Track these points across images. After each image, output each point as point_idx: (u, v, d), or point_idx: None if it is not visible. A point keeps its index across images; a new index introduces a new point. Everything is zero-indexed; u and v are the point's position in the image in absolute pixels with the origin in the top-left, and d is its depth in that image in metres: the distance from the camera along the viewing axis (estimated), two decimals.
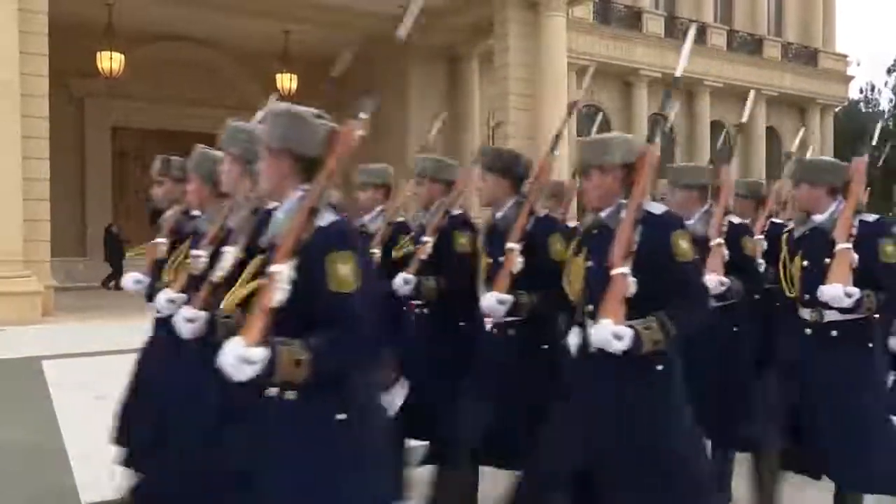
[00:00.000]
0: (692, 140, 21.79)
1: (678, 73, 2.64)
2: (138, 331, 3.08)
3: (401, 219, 3.56)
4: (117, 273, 12.93)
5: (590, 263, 2.26)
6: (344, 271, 1.66)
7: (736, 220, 3.30)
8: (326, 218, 1.73)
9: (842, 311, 2.62)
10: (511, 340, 2.75)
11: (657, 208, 2.23)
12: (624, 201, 2.22)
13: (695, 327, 2.22)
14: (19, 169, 9.85)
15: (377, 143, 17.55)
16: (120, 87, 14.73)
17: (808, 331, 2.76)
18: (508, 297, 2.61)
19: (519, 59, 13.96)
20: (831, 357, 2.70)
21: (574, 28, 16.85)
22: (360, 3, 14.18)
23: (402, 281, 3.05)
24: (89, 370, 6.16)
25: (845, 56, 25.73)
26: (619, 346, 2.01)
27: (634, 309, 2.07)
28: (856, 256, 2.62)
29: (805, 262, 2.77)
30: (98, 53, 14.04)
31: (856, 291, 2.56)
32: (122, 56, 14.23)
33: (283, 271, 1.64)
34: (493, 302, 2.61)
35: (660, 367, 2.16)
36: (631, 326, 2.04)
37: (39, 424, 4.69)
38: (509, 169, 2.82)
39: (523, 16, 13.99)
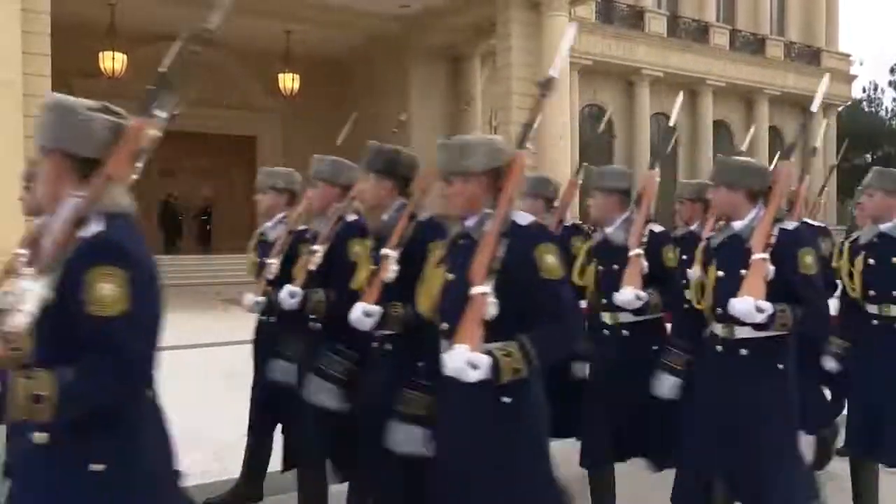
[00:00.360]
0: (694, 140, 21.76)
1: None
2: None
3: (303, 227, 3.23)
4: None
5: (451, 276, 2.05)
6: (105, 291, 1.42)
7: (657, 228, 3.12)
8: (92, 229, 1.47)
9: (755, 327, 2.35)
10: (386, 355, 2.49)
11: (524, 219, 2.02)
12: (490, 211, 1.99)
13: (562, 354, 2.04)
14: (21, 169, 9.86)
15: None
16: (122, 87, 14.75)
17: (719, 348, 2.50)
18: (375, 309, 2.38)
19: (521, 58, 13.96)
20: (739, 379, 2.44)
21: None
22: (361, 3, 14.19)
23: (288, 294, 2.84)
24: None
25: (848, 55, 25.71)
26: (473, 376, 1.79)
27: (496, 331, 1.86)
28: (771, 268, 2.38)
29: (720, 273, 2.53)
30: (100, 53, 14.07)
31: (768, 306, 2.30)
32: (125, 56, 14.27)
33: (34, 289, 1.40)
34: (358, 313, 2.38)
35: (507, 400, 1.91)
36: (489, 353, 1.82)
37: None
38: (391, 169, 2.58)
39: (525, 16, 13.99)
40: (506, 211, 1.96)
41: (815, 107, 2.97)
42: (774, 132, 23.82)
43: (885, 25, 67.79)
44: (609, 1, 20.02)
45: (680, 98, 4.01)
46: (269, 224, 3.38)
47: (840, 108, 26.09)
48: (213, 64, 16.74)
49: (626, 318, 3.04)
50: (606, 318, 3.10)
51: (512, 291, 1.89)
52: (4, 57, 9.62)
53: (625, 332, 3.06)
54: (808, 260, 2.42)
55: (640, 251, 2.98)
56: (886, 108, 33.62)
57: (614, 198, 3.13)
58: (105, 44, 14.01)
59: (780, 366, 2.45)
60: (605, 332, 3.11)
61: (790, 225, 2.50)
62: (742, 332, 2.42)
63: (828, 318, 2.55)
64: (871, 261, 3.13)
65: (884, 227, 3.13)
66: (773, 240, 2.41)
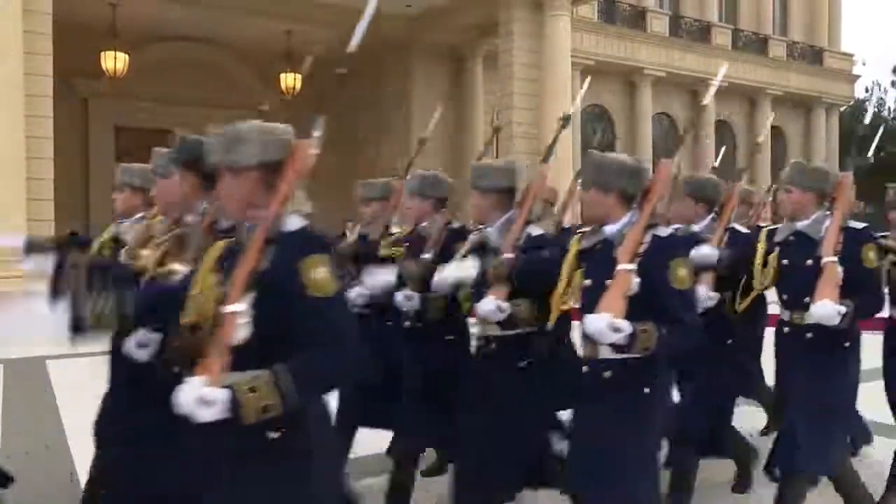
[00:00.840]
0: (698, 139, 21.71)
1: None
2: None
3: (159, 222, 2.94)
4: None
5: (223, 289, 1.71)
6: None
7: (536, 231, 2.78)
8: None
9: (614, 348, 2.09)
10: None
11: (295, 224, 1.69)
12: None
13: (331, 385, 1.72)
14: (23, 168, 9.88)
15: (379, 144, 17.62)
16: (124, 86, 14.76)
17: (585, 368, 2.27)
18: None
19: (523, 58, 13.95)
20: (603, 404, 2.20)
21: (578, 27, 16.82)
22: (363, 3, 14.19)
23: None
24: (95, 370, 6.15)
25: (851, 55, 25.64)
26: (207, 415, 1.49)
27: (249, 357, 1.56)
28: (637, 280, 2.12)
29: (587, 282, 2.30)
30: (102, 53, 14.08)
31: (625, 325, 2.04)
32: (126, 56, 14.27)
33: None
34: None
35: (274, 435, 1.61)
36: (229, 387, 1.51)
37: (44, 424, 4.69)
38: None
39: (528, 15, 13.98)
40: (275, 213, 1.65)
41: (707, 99, 2.93)
42: (777, 132, 23.77)
43: (888, 25, 67.70)
44: (611, 1, 20.00)
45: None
46: (126, 222, 3.14)
47: (843, 109, 26.03)
48: (214, 65, 16.77)
49: (493, 330, 2.73)
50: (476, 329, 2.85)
51: (272, 310, 1.59)
52: (6, 57, 9.63)
53: (493, 346, 2.76)
54: (681, 273, 2.16)
55: (511, 256, 2.65)
56: (889, 109, 33.55)
57: (492, 198, 2.81)
58: (107, 44, 14.03)
59: (647, 389, 2.19)
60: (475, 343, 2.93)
61: (663, 232, 2.25)
62: (604, 352, 2.16)
63: (697, 340, 2.23)
64: (785, 261, 2.92)
65: (800, 225, 2.88)
66: (643, 247, 2.17)
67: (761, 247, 3.05)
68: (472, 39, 16.00)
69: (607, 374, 2.21)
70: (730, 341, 3.21)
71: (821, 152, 24.04)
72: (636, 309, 2.10)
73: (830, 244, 2.73)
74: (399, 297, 3.06)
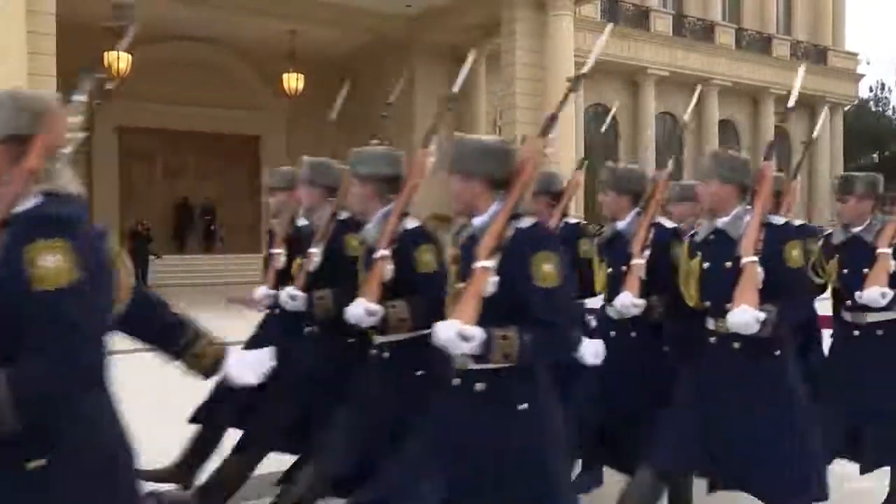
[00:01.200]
0: (701, 139, 21.69)
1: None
2: None
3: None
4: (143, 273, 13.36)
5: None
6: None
7: (412, 224, 2.49)
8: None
9: (475, 357, 1.86)
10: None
11: (29, 204, 1.39)
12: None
13: (32, 410, 1.31)
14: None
15: (380, 144, 17.64)
16: (127, 86, 14.79)
17: (456, 381, 1.99)
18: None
19: (526, 58, 13.95)
20: (476, 420, 1.94)
21: (581, 27, 16.80)
22: (365, 3, 14.19)
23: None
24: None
25: (855, 54, 25.58)
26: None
27: None
28: (493, 279, 1.87)
29: (460, 283, 2.01)
30: (106, 53, 14.11)
31: (476, 333, 1.79)
32: (130, 56, 14.30)
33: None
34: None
35: (35, 465, 1.35)
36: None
37: None
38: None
39: (530, 15, 13.98)
40: (15, 194, 1.39)
41: (584, 69, 2.44)
42: (780, 132, 23.72)
43: (892, 24, 67.53)
44: (614, 0, 19.99)
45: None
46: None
47: (846, 108, 25.98)
48: (217, 64, 16.80)
49: (378, 337, 2.48)
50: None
51: None
52: (10, 57, 9.66)
53: (385, 355, 2.49)
54: (545, 269, 1.87)
55: (386, 252, 2.41)
56: (893, 108, 33.48)
57: (369, 187, 2.58)
58: (110, 44, 14.06)
59: (524, 405, 1.92)
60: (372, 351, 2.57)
61: (526, 222, 1.95)
62: (471, 364, 1.91)
63: (571, 345, 2.01)
64: (707, 264, 2.56)
65: (721, 222, 2.55)
66: (503, 241, 1.90)
67: (682, 250, 2.70)
68: (475, 39, 16.00)
69: (479, 386, 1.93)
70: (665, 348, 2.88)
71: (825, 152, 23.99)
72: (498, 312, 1.85)
73: (750, 242, 2.43)
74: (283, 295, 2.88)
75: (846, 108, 25.91)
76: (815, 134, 4.84)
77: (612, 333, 2.93)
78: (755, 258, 2.40)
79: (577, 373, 2.77)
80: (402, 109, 15.93)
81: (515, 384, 1.92)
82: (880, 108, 33.14)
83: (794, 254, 2.46)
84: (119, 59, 14.14)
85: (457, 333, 1.79)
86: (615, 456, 2.95)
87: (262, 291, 3.20)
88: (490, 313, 1.84)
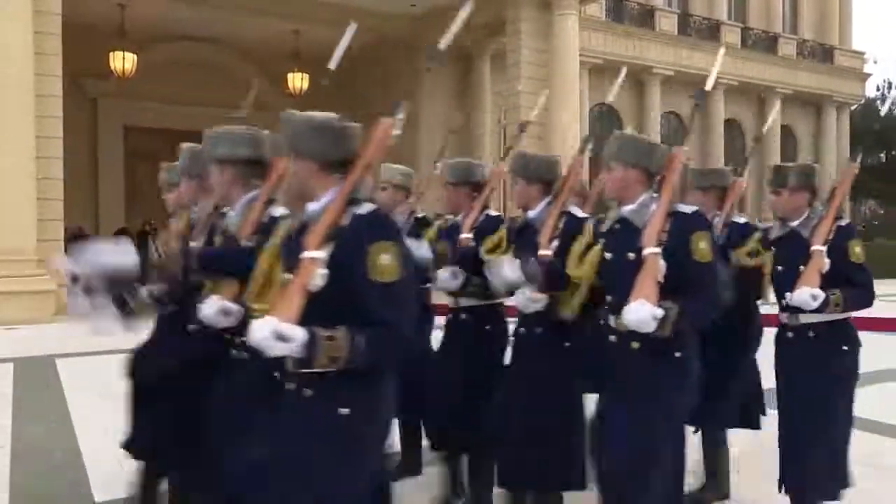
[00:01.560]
0: (706, 138, 21.63)
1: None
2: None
3: None
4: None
5: None
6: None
7: (279, 212, 2.29)
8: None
9: (298, 363, 1.72)
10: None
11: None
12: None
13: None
14: (33, 168, 9.93)
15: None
16: (132, 87, 14.83)
17: (290, 385, 1.86)
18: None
19: (531, 58, 13.93)
20: (297, 423, 1.83)
21: (586, 26, 16.78)
22: (371, 3, 14.18)
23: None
24: (103, 369, 6.18)
25: (862, 53, 25.45)
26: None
27: None
28: (320, 273, 1.71)
29: (286, 276, 1.86)
30: (111, 53, 14.16)
31: (294, 333, 1.60)
32: (135, 56, 14.35)
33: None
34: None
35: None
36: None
37: (53, 423, 4.71)
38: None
39: (535, 14, 13.96)
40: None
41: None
42: (787, 131, 23.64)
43: None
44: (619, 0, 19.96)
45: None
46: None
47: (853, 107, 25.85)
48: (222, 64, 16.81)
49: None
50: None
51: None
52: (17, 57, 9.70)
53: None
54: (382, 261, 1.67)
55: (250, 245, 2.27)
56: None
57: (231, 171, 2.42)
58: (115, 44, 14.11)
59: (345, 410, 1.72)
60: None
61: (365, 209, 1.75)
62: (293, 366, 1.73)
63: (410, 348, 1.80)
64: (608, 255, 2.40)
65: (626, 210, 2.37)
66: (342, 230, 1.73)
67: (584, 239, 2.55)
68: (480, 39, 15.98)
69: (307, 392, 1.72)
70: (567, 344, 2.74)
71: (832, 152, 23.89)
72: (327, 309, 1.65)
73: (653, 232, 2.24)
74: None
75: (853, 108, 25.78)
76: (764, 128, 4.53)
77: (522, 330, 2.82)
78: (657, 249, 2.22)
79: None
80: (406, 108, 15.94)
81: (336, 388, 1.69)
82: (887, 107, 32.94)
83: (702, 246, 2.24)
84: (124, 60, 14.20)
85: (272, 332, 1.56)
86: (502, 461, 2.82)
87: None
88: (317, 311, 1.63)
